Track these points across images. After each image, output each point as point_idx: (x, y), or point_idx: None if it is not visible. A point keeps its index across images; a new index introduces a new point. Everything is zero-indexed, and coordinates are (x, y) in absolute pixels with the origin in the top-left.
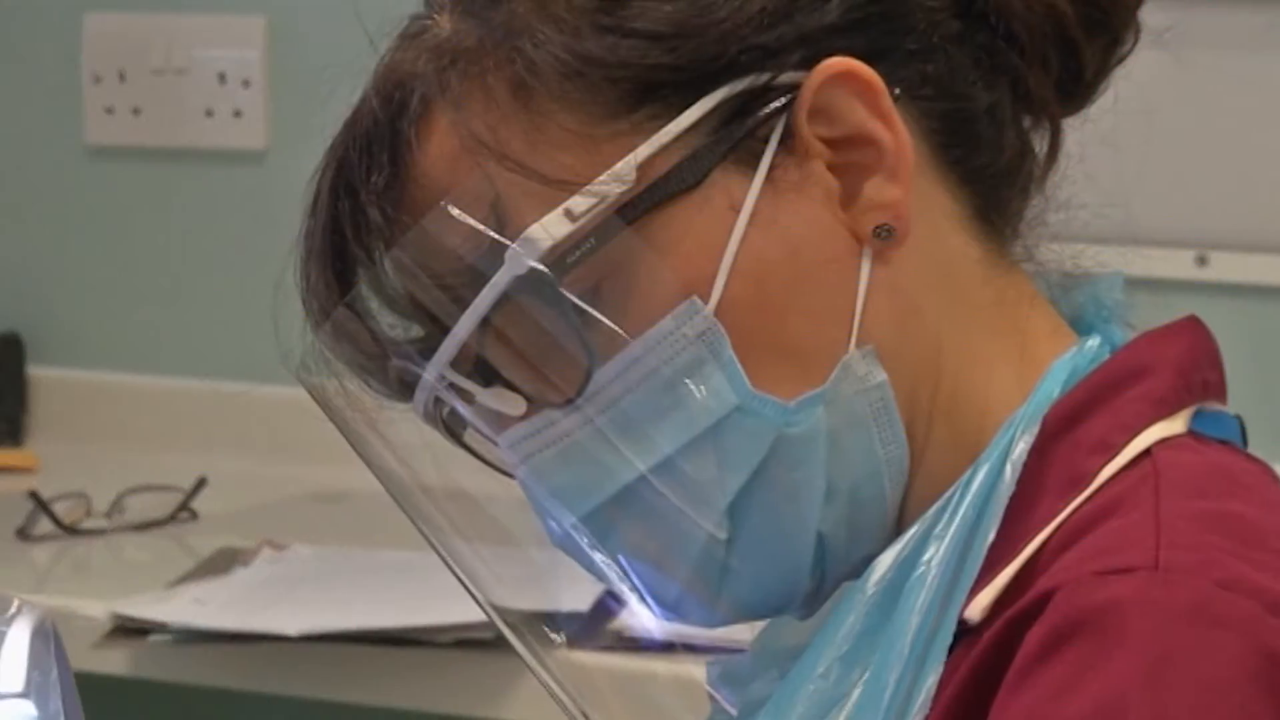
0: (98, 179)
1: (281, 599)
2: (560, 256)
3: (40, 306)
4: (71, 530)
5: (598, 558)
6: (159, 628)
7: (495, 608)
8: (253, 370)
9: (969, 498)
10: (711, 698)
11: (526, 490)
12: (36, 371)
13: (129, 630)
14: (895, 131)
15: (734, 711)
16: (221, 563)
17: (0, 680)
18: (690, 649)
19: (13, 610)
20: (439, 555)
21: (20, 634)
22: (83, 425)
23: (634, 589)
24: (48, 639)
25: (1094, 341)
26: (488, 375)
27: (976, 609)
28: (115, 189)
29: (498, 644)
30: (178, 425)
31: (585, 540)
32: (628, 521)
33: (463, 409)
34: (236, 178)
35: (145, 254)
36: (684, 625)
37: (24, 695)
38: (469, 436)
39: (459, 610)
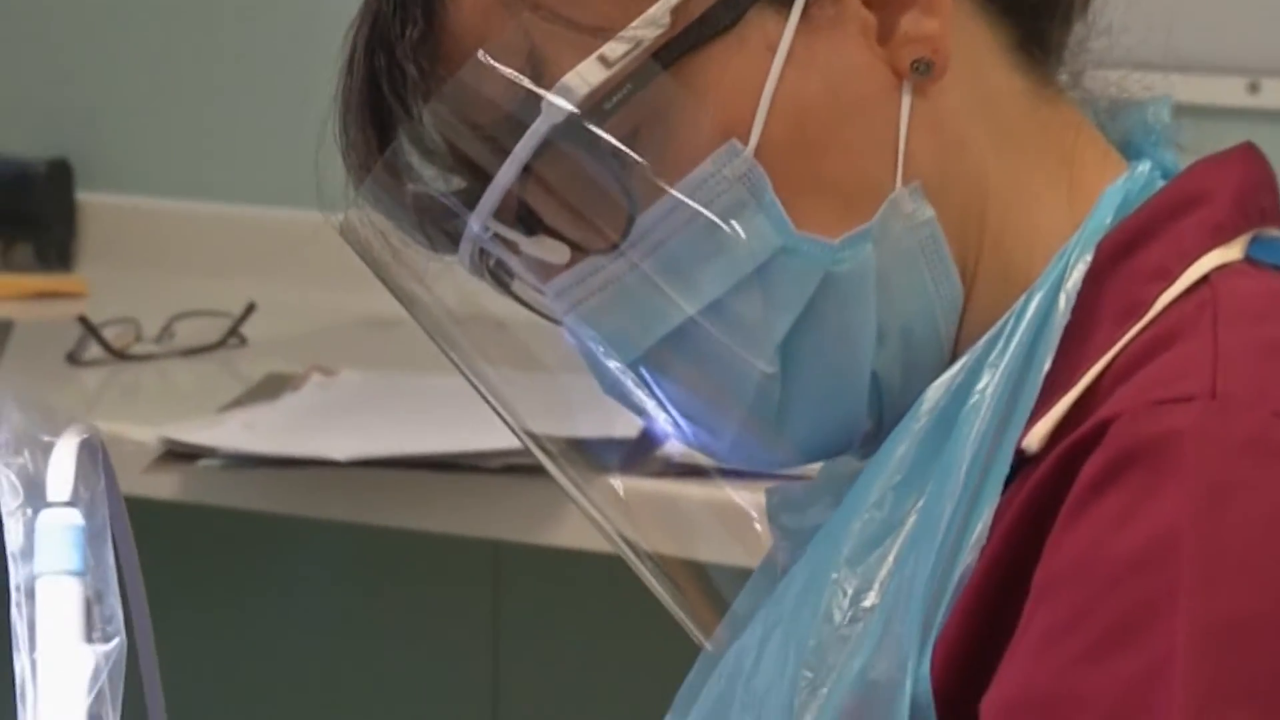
0: (146, 3)
1: (330, 424)
2: (597, 103)
3: (89, 132)
4: (121, 355)
5: (650, 404)
6: (208, 453)
7: (534, 435)
8: (302, 196)
9: (1022, 327)
10: (773, 527)
11: (575, 338)
12: (86, 197)
13: (178, 455)
14: None
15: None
16: (270, 388)
17: (47, 489)
18: (741, 476)
19: (61, 425)
20: (482, 396)
21: (68, 447)
22: (132, 251)
23: (690, 434)
24: (95, 454)
25: (1144, 167)
26: (531, 224)
27: (1034, 439)
28: (164, 14)
29: (546, 470)
30: (227, 251)
31: (638, 385)
32: (679, 366)
33: (508, 259)
34: (285, 2)
35: (195, 80)
36: (742, 468)
37: (70, 504)
38: (517, 286)
39: (508, 435)
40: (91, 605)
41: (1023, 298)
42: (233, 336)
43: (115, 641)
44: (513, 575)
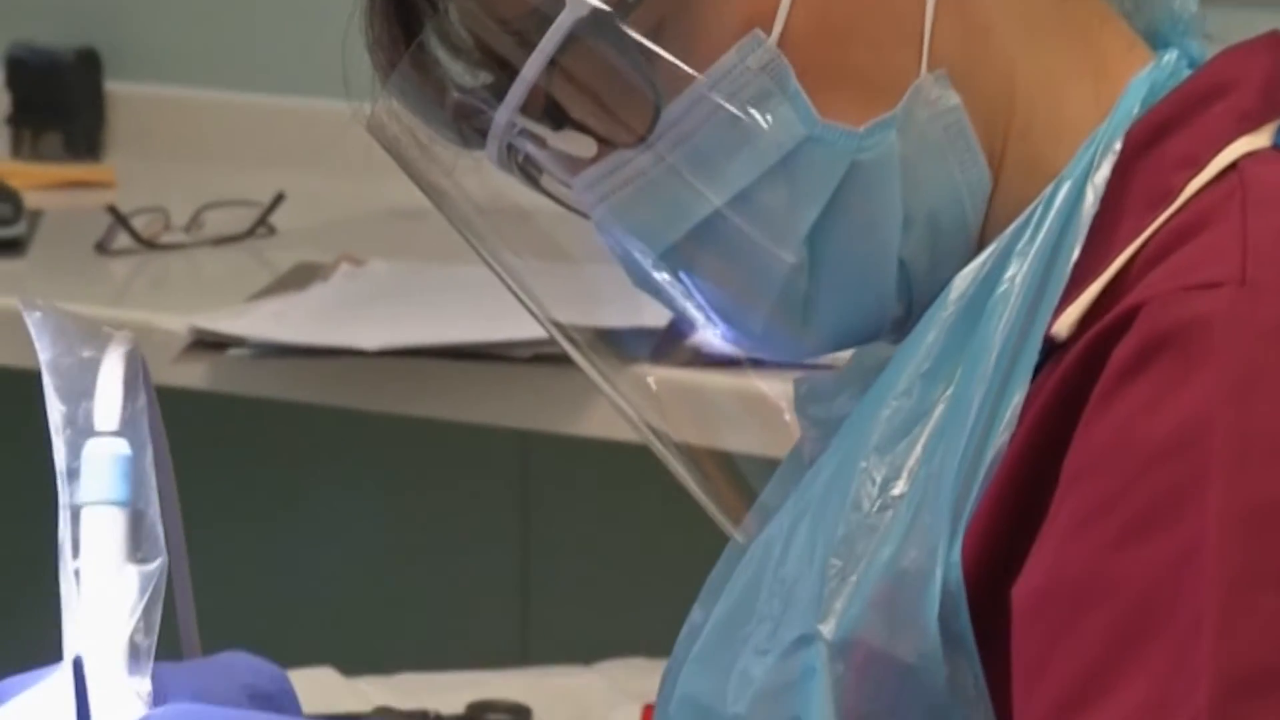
0: None
1: (359, 314)
2: None
3: (118, 21)
4: (150, 245)
5: (680, 296)
6: (237, 342)
7: (560, 325)
8: (331, 86)
9: (1051, 215)
10: (801, 417)
11: (604, 232)
12: (114, 87)
13: (207, 344)
14: None
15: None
16: (299, 278)
17: (96, 418)
18: (769, 366)
19: (103, 339)
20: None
21: (113, 367)
22: (160, 140)
23: (719, 325)
24: (137, 367)
25: (1171, 56)
26: (558, 119)
27: (1063, 325)
28: None
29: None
30: (256, 140)
31: (667, 278)
32: (707, 258)
33: (535, 153)
34: None
35: None
36: (772, 358)
37: (118, 433)
38: (545, 181)
39: (536, 325)
40: (134, 528)
41: (1050, 186)
42: (261, 226)
43: (157, 562)
44: (541, 465)
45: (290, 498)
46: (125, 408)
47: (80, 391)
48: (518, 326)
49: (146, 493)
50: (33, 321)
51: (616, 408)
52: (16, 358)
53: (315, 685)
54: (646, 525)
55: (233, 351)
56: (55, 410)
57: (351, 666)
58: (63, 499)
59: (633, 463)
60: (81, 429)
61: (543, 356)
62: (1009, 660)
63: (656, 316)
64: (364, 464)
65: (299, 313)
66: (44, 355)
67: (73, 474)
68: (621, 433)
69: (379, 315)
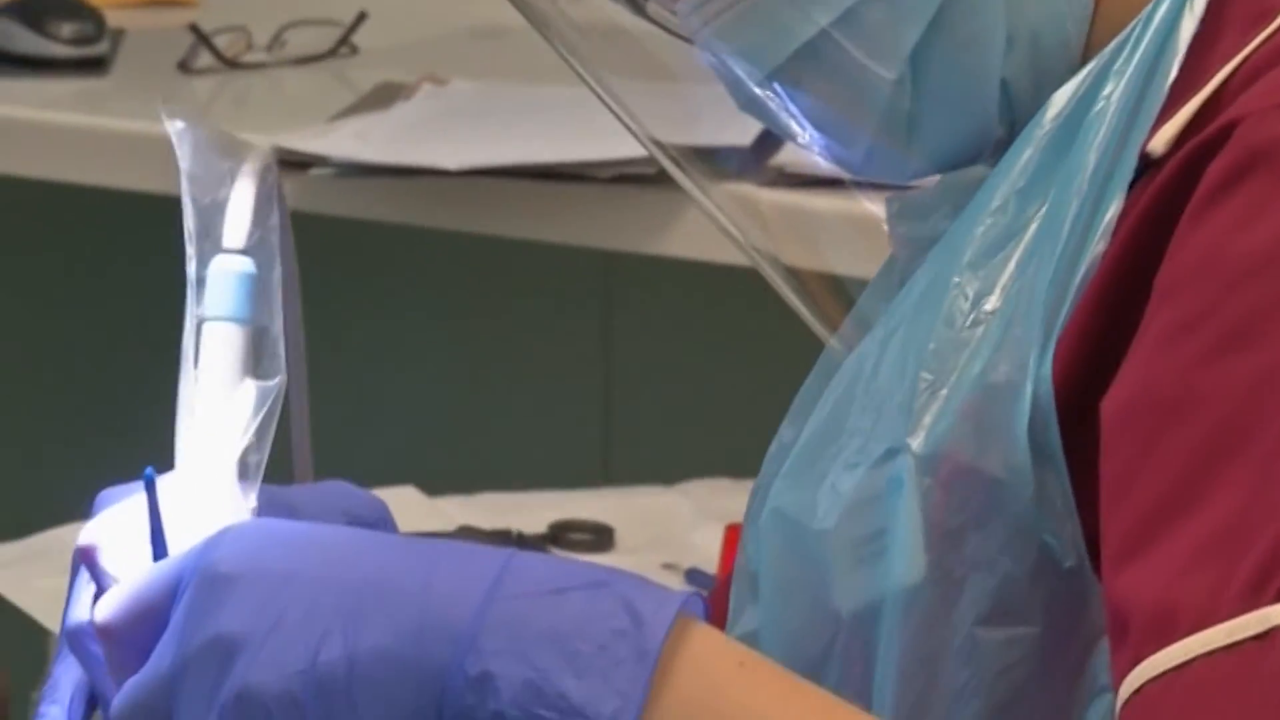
0: None
1: (442, 133)
2: None
3: None
4: (232, 64)
5: (784, 117)
6: (320, 161)
7: (656, 141)
8: None
9: (1150, 33)
10: (894, 235)
11: (710, 57)
12: None
13: (290, 164)
14: None
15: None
16: (382, 97)
17: (225, 234)
18: (865, 186)
19: (241, 153)
20: (597, 95)
21: (246, 184)
22: None
23: (823, 146)
24: (271, 183)
25: None
26: None
27: (1159, 142)
28: None
29: (658, 179)
30: None
31: (773, 100)
32: (813, 78)
33: None
34: None
35: None
36: (874, 179)
37: (245, 251)
38: (650, 6)
39: (620, 145)
40: (255, 345)
41: (1150, 4)
42: (344, 45)
43: (276, 380)
44: (623, 285)
45: (372, 318)
46: (255, 225)
47: (215, 203)
48: (600, 146)
49: (270, 310)
50: (174, 132)
51: (714, 222)
52: (88, 176)
53: (398, 505)
54: (727, 345)
55: (315, 171)
56: (189, 219)
57: (434, 486)
58: (189, 308)
59: (716, 282)
60: (213, 241)
61: (625, 177)
62: (1097, 474)
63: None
64: (446, 284)
65: (381, 132)
66: (183, 164)
67: (201, 284)
68: (704, 252)
69: (461, 135)
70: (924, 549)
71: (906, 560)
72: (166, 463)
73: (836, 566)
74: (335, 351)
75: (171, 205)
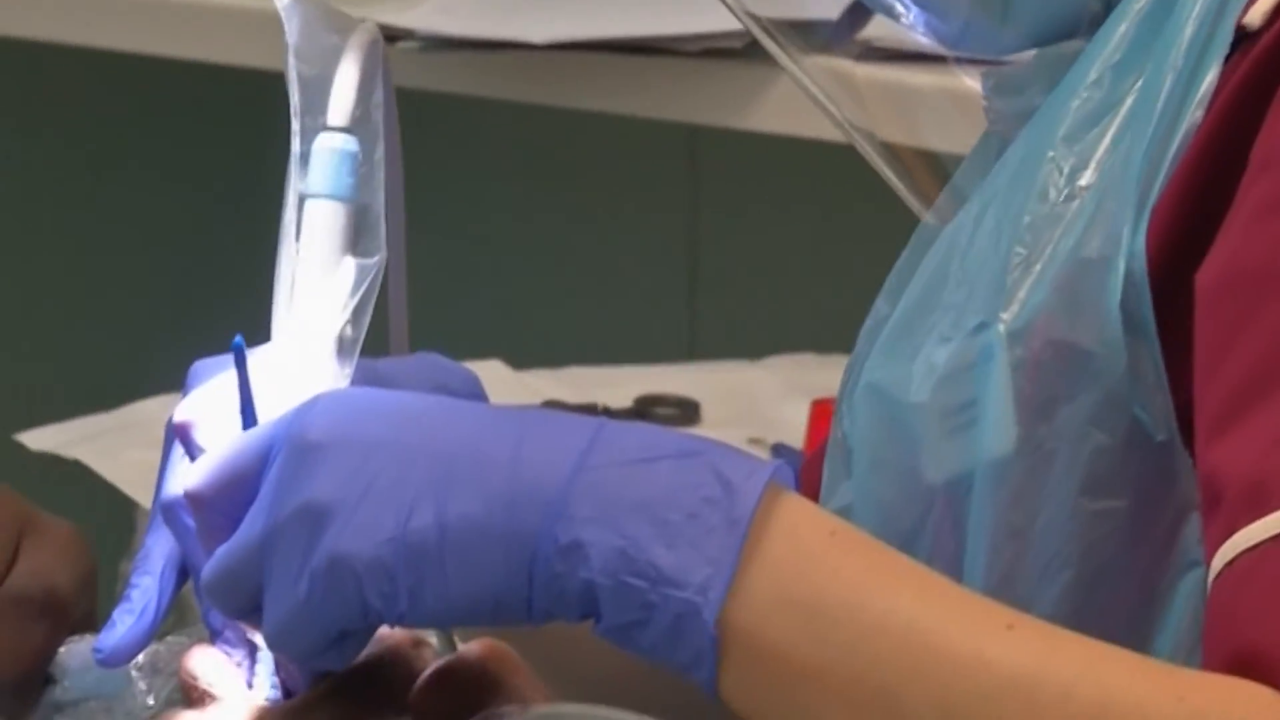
0: None
1: (527, 7)
2: None
3: None
4: None
5: None
6: (406, 35)
7: (750, 14)
8: None
9: None
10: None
11: None
12: None
13: None
14: None
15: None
16: None
17: (329, 111)
18: (959, 61)
19: (348, 29)
20: None
21: (352, 61)
22: None
23: (919, 18)
24: (377, 59)
25: None
26: None
27: (1256, 14)
28: None
29: (744, 53)
30: None
31: None
32: None
33: None
34: None
35: None
36: (970, 54)
37: (348, 129)
38: None
39: (706, 18)
40: (356, 222)
41: None
42: None
43: (376, 258)
44: (709, 160)
45: (458, 192)
46: (359, 102)
47: (320, 78)
48: (686, 20)
49: (373, 188)
50: (282, 6)
51: (809, 95)
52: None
53: (485, 378)
54: (813, 220)
55: (401, 45)
56: (295, 95)
57: (521, 360)
58: (292, 184)
59: (803, 157)
60: (317, 117)
61: (712, 50)
62: (1190, 348)
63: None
64: (532, 158)
65: (467, 6)
66: (290, 39)
67: (305, 159)
68: (790, 126)
69: (547, 8)
70: (1015, 421)
71: (997, 432)
72: (262, 337)
73: (928, 439)
74: (422, 226)
75: (278, 80)
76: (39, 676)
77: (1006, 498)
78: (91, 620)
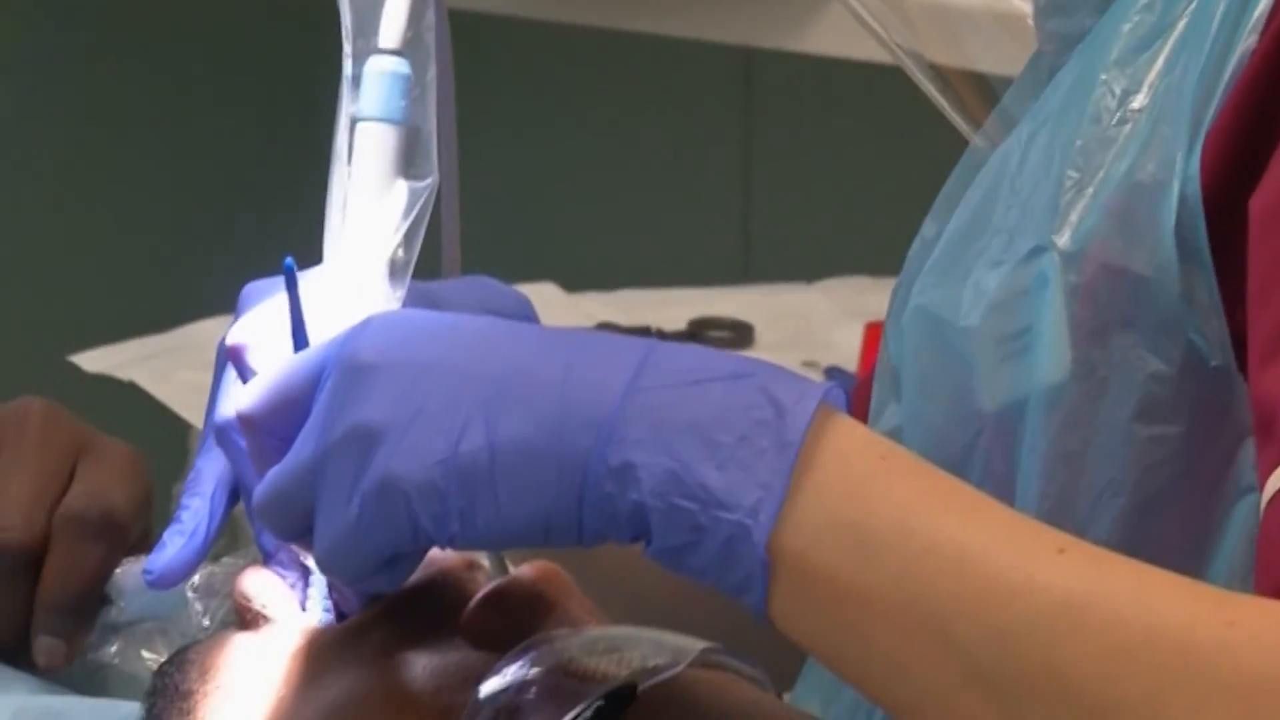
0: None
1: None
2: None
3: None
4: None
5: None
6: None
7: None
8: None
9: None
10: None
11: None
12: None
13: None
14: None
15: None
16: None
17: (381, 34)
18: None
19: None
20: None
21: None
22: None
23: None
24: None
25: None
26: None
27: None
28: None
29: None
30: None
31: None
32: None
33: None
34: None
35: None
36: None
37: (400, 51)
38: None
39: None
40: (408, 145)
41: None
42: None
43: (428, 180)
44: (764, 82)
45: (511, 114)
46: (411, 24)
47: (372, 1)
48: None
49: (425, 110)
50: None
51: (857, 18)
52: None
53: (538, 301)
54: (867, 142)
55: None
56: (347, 17)
57: (573, 282)
58: (344, 106)
59: (857, 79)
60: (369, 40)
61: None
62: (1245, 272)
63: None
64: (586, 81)
65: None
66: None
67: (357, 82)
68: (844, 48)
69: None
70: (1069, 346)
71: (1052, 357)
72: (315, 259)
73: (980, 363)
74: (475, 148)
75: (330, 3)
76: (95, 597)
77: (1060, 424)
78: (148, 541)
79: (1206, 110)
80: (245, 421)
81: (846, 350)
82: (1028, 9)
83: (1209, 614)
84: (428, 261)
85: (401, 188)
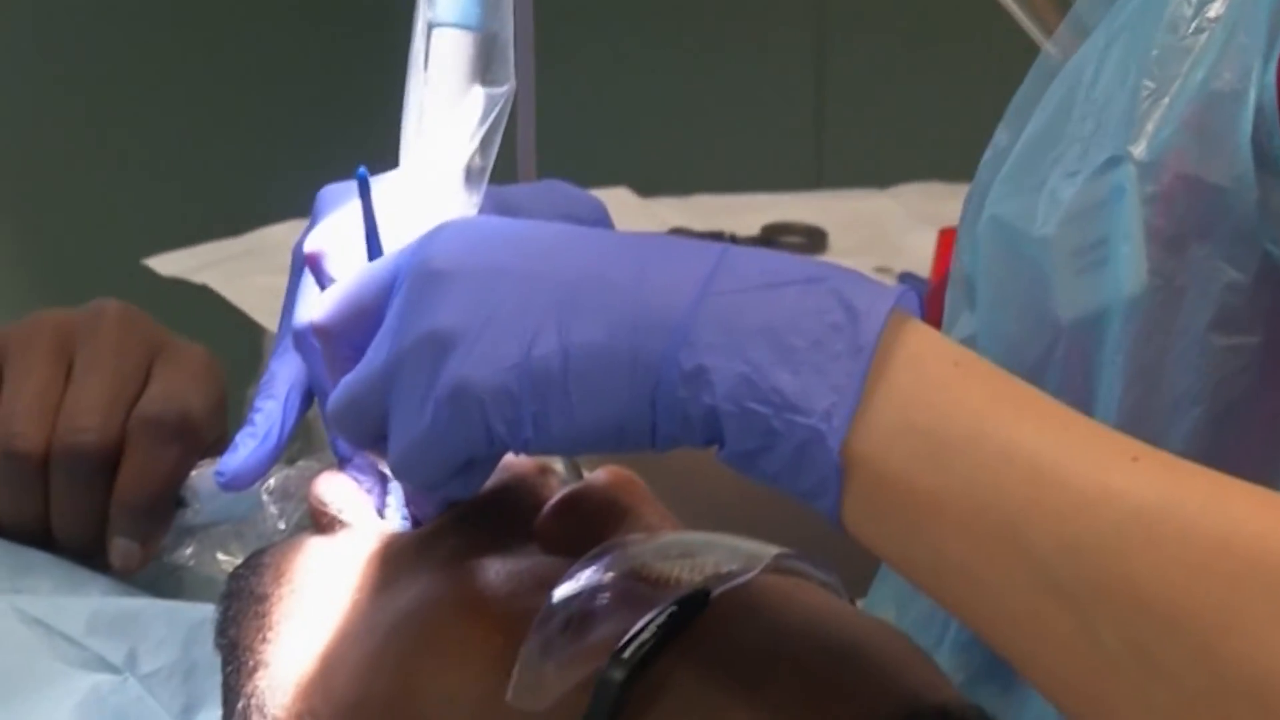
0: None
1: None
2: None
3: None
4: None
5: None
6: None
7: None
8: None
9: None
10: None
11: None
12: None
13: None
14: None
15: None
16: None
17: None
18: None
19: None
20: None
21: None
22: None
23: None
24: None
25: None
26: None
27: None
28: None
29: None
30: None
31: None
32: None
33: None
34: None
35: None
36: None
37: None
38: None
39: None
40: (485, 51)
41: None
42: None
43: (505, 87)
44: None
45: (586, 20)
46: None
47: None
48: None
49: (501, 16)
50: None
51: None
52: None
53: (611, 205)
54: (941, 49)
55: None
56: None
57: (647, 187)
58: (420, 12)
59: None
60: None
61: None
62: None
63: None
64: None
65: None
66: None
67: None
68: None
69: None
70: (1145, 257)
71: (1129, 269)
72: (390, 163)
73: (1056, 274)
74: (551, 54)
75: None
76: (171, 499)
77: (1137, 334)
78: (223, 444)
79: None
80: (320, 332)
81: (920, 256)
82: None
83: None
84: (506, 166)
85: (478, 94)
